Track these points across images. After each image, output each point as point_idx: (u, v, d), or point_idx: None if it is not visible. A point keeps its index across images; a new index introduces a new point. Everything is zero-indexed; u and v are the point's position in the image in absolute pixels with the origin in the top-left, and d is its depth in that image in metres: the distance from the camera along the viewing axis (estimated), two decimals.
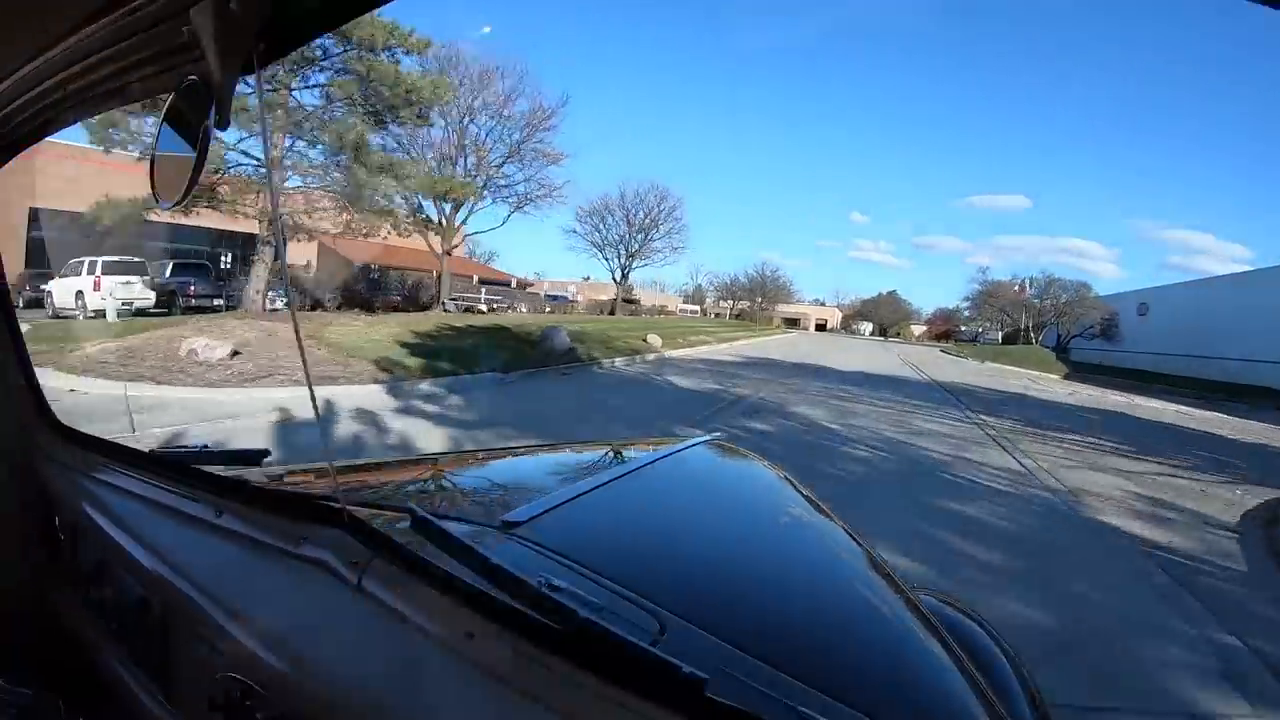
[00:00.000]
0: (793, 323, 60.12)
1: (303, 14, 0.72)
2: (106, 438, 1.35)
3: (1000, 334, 44.15)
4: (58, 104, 1.01)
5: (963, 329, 54.99)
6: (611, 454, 1.71)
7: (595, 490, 1.20)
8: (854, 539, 1.28)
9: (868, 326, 63.88)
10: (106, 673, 1.18)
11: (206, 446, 1.31)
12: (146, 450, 1.29)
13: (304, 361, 1.17)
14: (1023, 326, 39.07)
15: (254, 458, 1.27)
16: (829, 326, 63.66)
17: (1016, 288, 42.14)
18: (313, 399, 1.29)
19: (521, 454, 1.72)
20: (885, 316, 64.33)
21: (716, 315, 55.99)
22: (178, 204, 0.76)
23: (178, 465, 1.22)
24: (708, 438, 1.68)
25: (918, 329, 64.40)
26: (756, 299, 57.83)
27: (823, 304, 67.83)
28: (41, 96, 0.99)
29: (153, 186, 0.79)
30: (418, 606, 0.80)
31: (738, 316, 55.75)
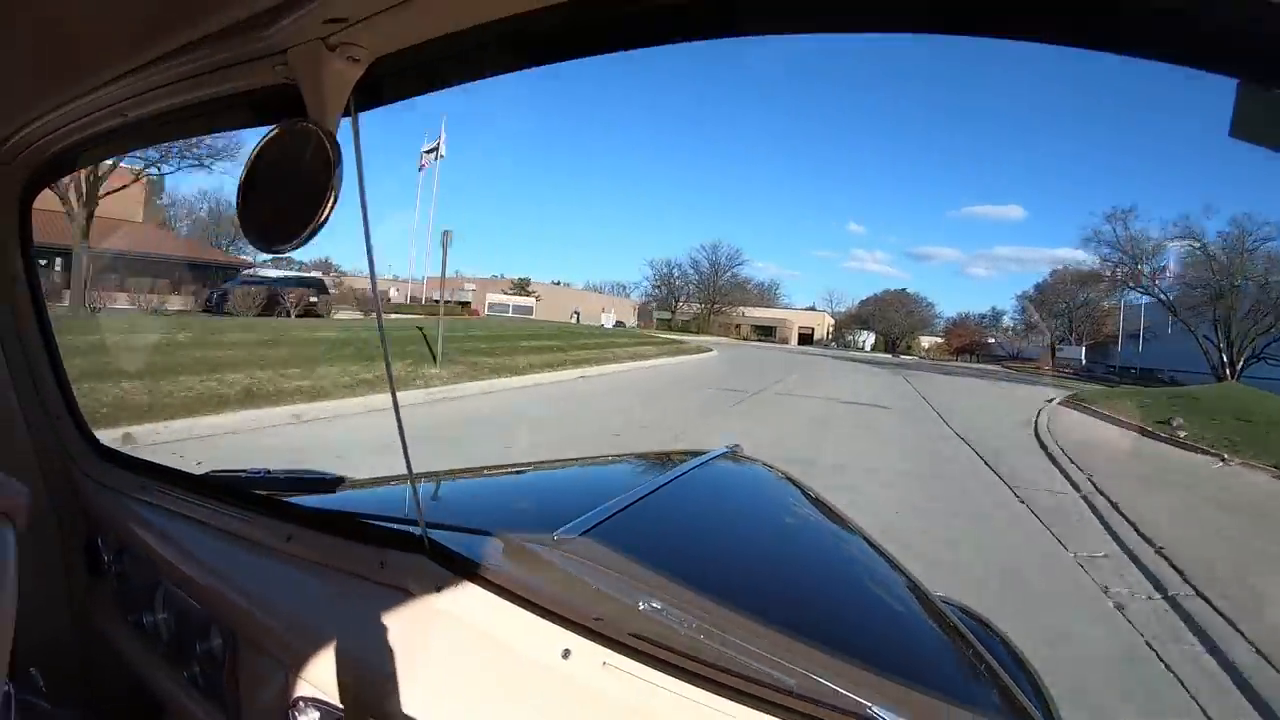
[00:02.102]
0: (766, 332, 44.02)
1: (397, 75, 0.80)
2: (151, 460, 1.43)
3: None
4: (123, 130, 1.08)
5: (991, 340, 43.92)
6: (640, 465, 2.01)
7: (636, 504, 1.29)
8: (871, 543, 1.42)
9: (869, 338, 47.17)
10: (157, 694, 1.21)
11: (269, 471, 1.40)
12: (199, 473, 1.38)
13: (389, 374, 1.11)
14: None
15: (330, 484, 1.37)
16: (816, 337, 47.23)
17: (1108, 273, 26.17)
18: (397, 415, 1.03)
19: (554, 467, 1.96)
20: (893, 323, 47.50)
21: (638, 325, 40.31)
22: (300, 243, 0.78)
23: (238, 490, 1.29)
24: (725, 448, 1.82)
25: (927, 340, 47.82)
26: (710, 300, 42.18)
27: (813, 309, 51.34)
28: (100, 120, 1.05)
29: (255, 224, 0.80)
30: (507, 626, 0.86)
31: (685, 325, 40.07)
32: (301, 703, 0.92)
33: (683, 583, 0.98)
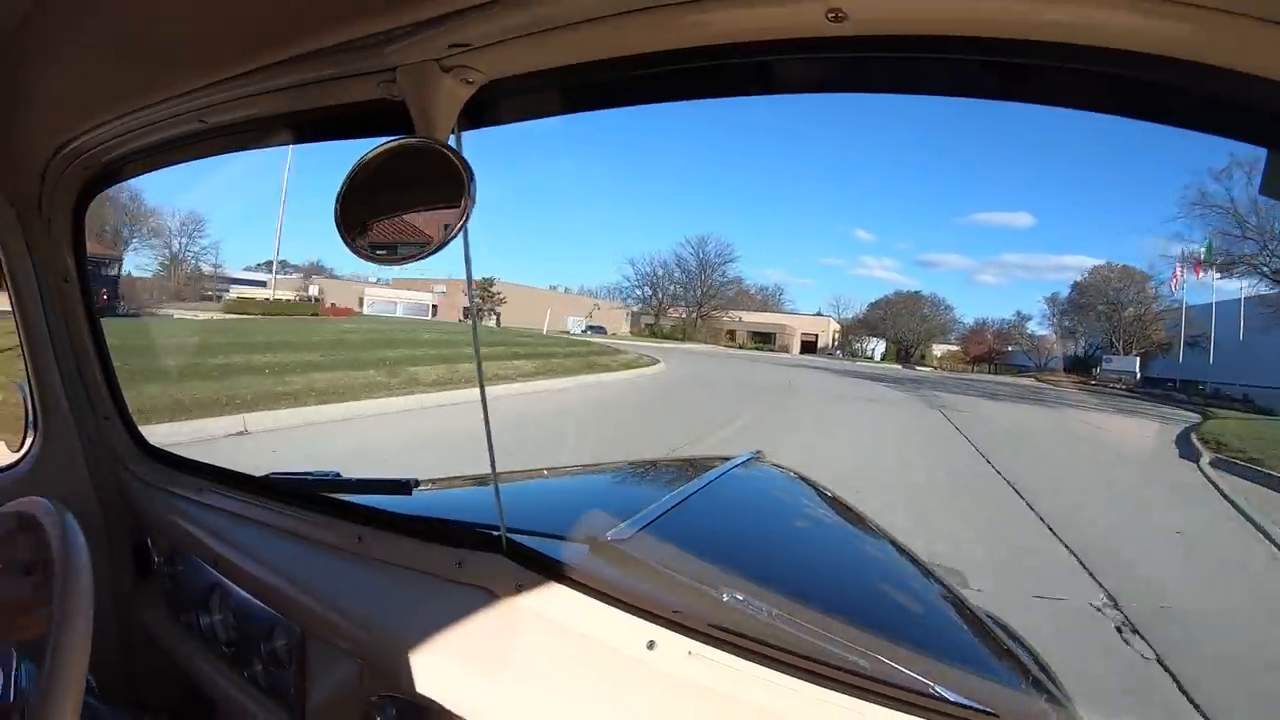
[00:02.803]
0: (764, 339, 39.66)
1: (504, 99, 0.86)
2: (204, 461, 1.48)
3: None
4: (194, 137, 1.14)
5: (1010, 348, 38.85)
6: (672, 470, 2.13)
7: (679, 505, 1.37)
8: (896, 544, 1.55)
9: (879, 346, 42.70)
10: (209, 693, 1.25)
11: (338, 474, 1.35)
12: (259, 475, 1.37)
13: (479, 374, 1.19)
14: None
15: (404, 486, 1.30)
16: (821, 344, 42.74)
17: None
18: (485, 416, 1.10)
19: (582, 472, 2.08)
20: (907, 329, 42.93)
21: (630, 332, 35.98)
22: (425, 255, 0.82)
23: (304, 492, 1.32)
24: (749, 454, 1.94)
25: (939, 348, 43.25)
26: (697, 303, 37.47)
27: (820, 314, 46.91)
28: (172, 126, 1.10)
29: (365, 235, 0.84)
30: (591, 622, 0.92)
31: (669, 332, 35.69)
32: (380, 700, 0.96)
33: (742, 576, 1.03)
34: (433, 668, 0.94)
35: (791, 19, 0.64)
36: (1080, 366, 30.53)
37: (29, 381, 1.46)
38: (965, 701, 0.77)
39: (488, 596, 1.01)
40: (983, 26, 0.58)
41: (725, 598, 0.94)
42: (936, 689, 0.79)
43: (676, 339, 35.32)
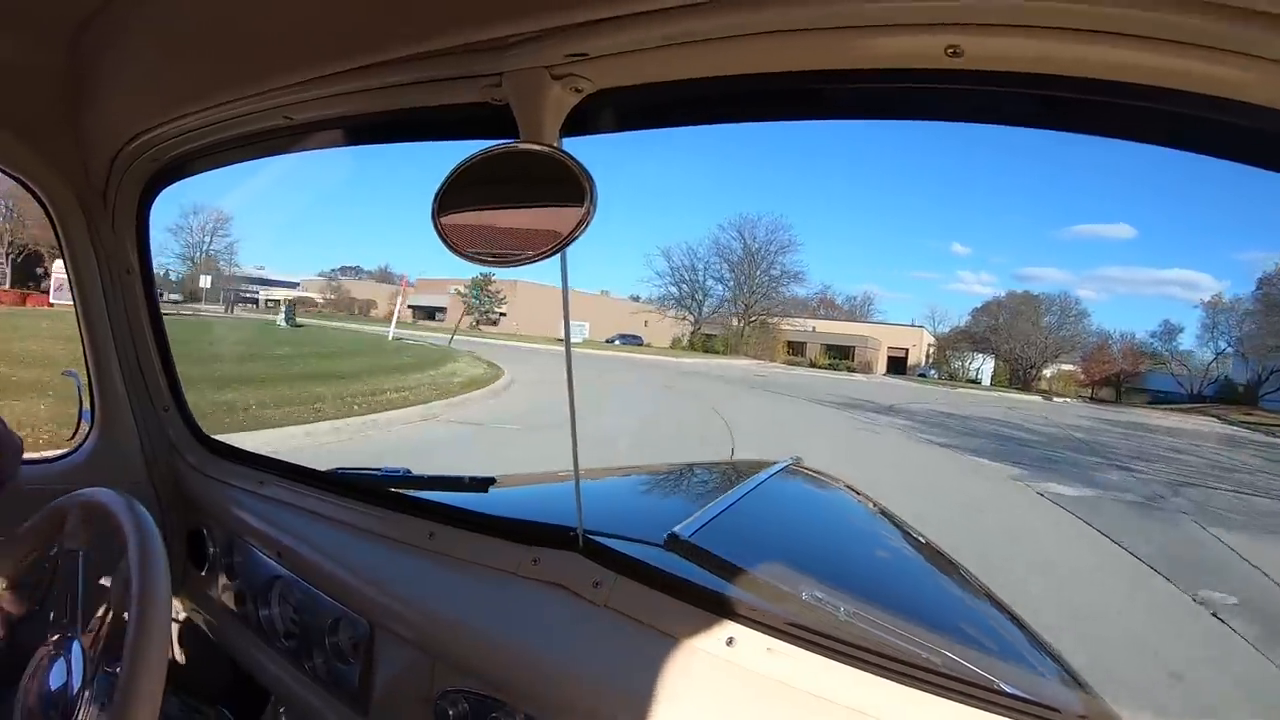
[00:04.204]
0: (842, 353, 31.81)
1: (610, 108, 0.89)
2: (265, 454, 1.54)
3: None
4: (272, 134, 1.18)
5: (1145, 370, 30.08)
6: (715, 474, 2.20)
7: (731, 508, 1.41)
8: (938, 548, 1.64)
9: (985, 365, 33.72)
10: (265, 683, 1.30)
11: (408, 471, 1.47)
12: (324, 470, 1.44)
13: (569, 377, 1.16)
14: None
15: (482, 484, 1.44)
16: (911, 360, 34.23)
17: None
18: (572, 417, 1.12)
19: (620, 474, 2.05)
20: (1025, 343, 33.72)
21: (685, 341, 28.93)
22: (535, 259, 0.83)
23: (372, 487, 1.36)
24: (789, 460, 1.99)
25: (1048, 368, 33.76)
26: (745, 305, 29.45)
27: (913, 325, 37.95)
28: (250, 122, 1.13)
29: (469, 236, 0.85)
30: (669, 618, 0.93)
31: (709, 344, 28.14)
32: (450, 694, 0.99)
33: (806, 574, 1.09)
34: (507, 663, 0.98)
35: (911, 51, 0.67)
36: (1242, 396, 24.88)
37: (87, 371, 1.50)
38: (1030, 697, 0.82)
39: (564, 593, 1.03)
40: (1092, 68, 0.62)
41: (804, 595, 1.00)
42: (1003, 685, 0.84)
43: (718, 352, 28.18)
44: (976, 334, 35.01)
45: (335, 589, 1.21)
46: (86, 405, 1.52)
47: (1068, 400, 27.71)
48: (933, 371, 32.60)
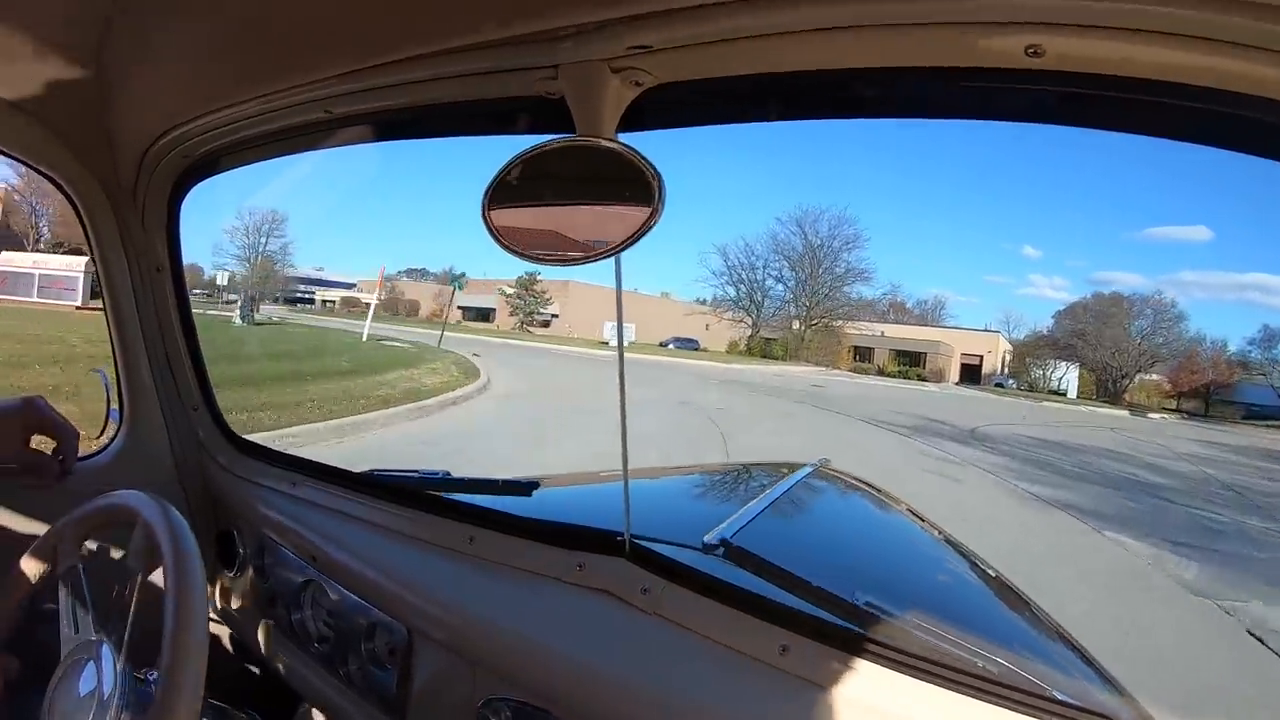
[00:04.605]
0: (912, 360, 29.83)
1: (670, 104, 0.85)
2: (297, 455, 1.58)
3: None
4: (311, 128, 1.16)
5: (1239, 380, 26.01)
6: (744, 476, 2.17)
7: (766, 511, 1.40)
8: (966, 549, 1.62)
9: (1070, 374, 31.02)
10: (295, 687, 1.29)
11: (447, 473, 1.45)
12: (358, 471, 1.43)
13: (621, 380, 1.16)
14: None
15: (526, 488, 1.42)
16: (986, 368, 31.87)
17: None
18: (623, 421, 1.12)
19: (655, 475, 2.10)
20: (1114, 349, 30.75)
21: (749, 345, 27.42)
22: (596, 258, 0.82)
23: (409, 489, 1.35)
24: (817, 462, 2.00)
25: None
26: (808, 307, 27.27)
27: (987, 330, 35.16)
28: (290, 115, 1.12)
29: (525, 235, 0.85)
30: (721, 626, 0.92)
31: (764, 350, 26.38)
32: (495, 702, 0.98)
33: (851, 580, 1.12)
34: (552, 671, 0.97)
35: (989, 48, 0.66)
36: None
37: (116, 370, 1.49)
38: (1084, 705, 0.81)
39: (611, 600, 1.02)
40: (1173, 72, 0.61)
41: (859, 601, 0.99)
42: (1056, 693, 0.84)
43: (776, 357, 26.45)
44: (1060, 340, 32.21)
45: (371, 593, 1.20)
46: (115, 404, 1.50)
47: (1164, 417, 25.16)
48: (1011, 381, 30.18)
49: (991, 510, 6.74)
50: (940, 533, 1.74)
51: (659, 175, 0.76)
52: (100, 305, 1.55)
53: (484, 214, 0.84)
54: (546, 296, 28.88)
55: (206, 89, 1.14)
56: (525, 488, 1.43)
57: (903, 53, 0.68)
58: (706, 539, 1.17)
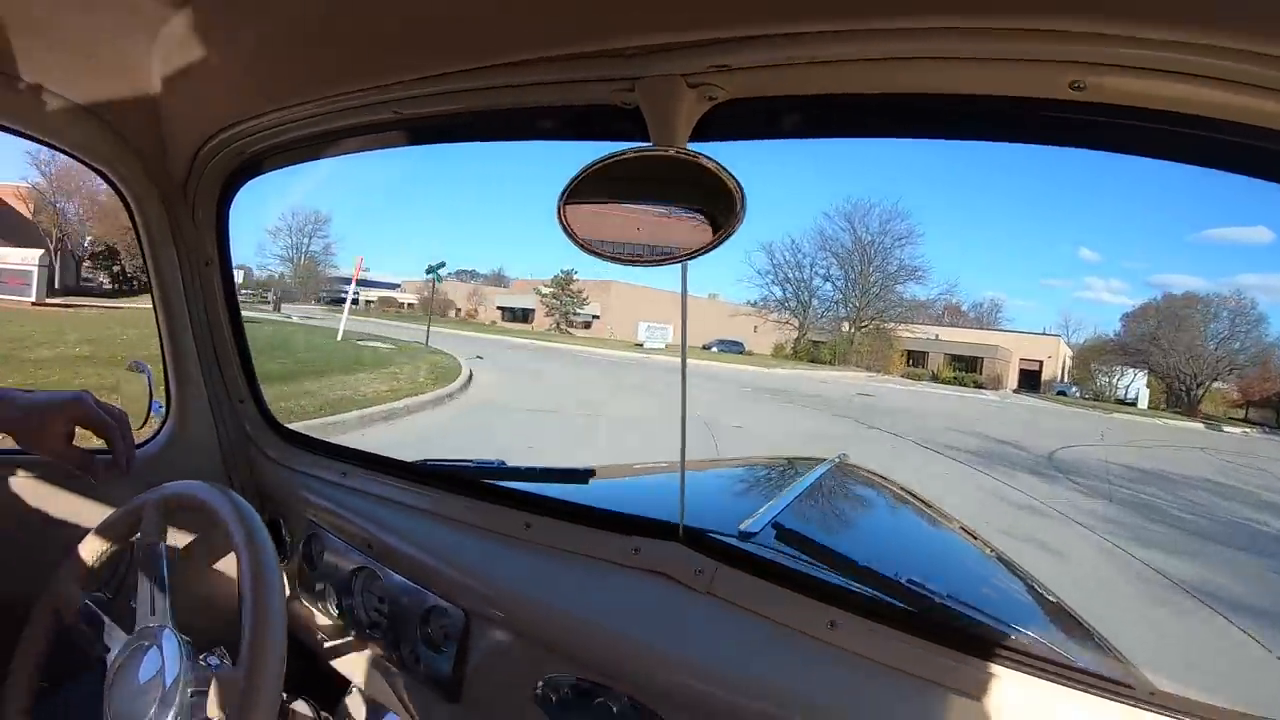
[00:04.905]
0: (968, 365, 28.26)
1: (740, 117, 0.89)
2: (345, 445, 1.59)
3: None
4: (375, 128, 1.19)
5: None
6: (768, 470, 2.31)
7: (795, 502, 1.47)
8: (983, 538, 1.79)
9: (1138, 381, 28.95)
10: (346, 672, 1.33)
11: (502, 463, 1.52)
12: (410, 461, 1.47)
13: (683, 372, 1.23)
14: None
15: (583, 476, 1.51)
16: (1046, 374, 30.11)
17: None
18: (683, 416, 1.21)
19: (701, 469, 2.17)
20: (1188, 355, 28.54)
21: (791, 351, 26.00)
22: (677, 260, 0.89)
23: (463, 478, 1.42)
24: (838, 458, 2.08)
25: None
26: (858, 308, 25.49)
27: (1046, 334, 33.00)
28: (367, 112, 1.14)
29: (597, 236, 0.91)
30: (771, 604, 0.98)
31: (810, 353, 24.86)
32: (554, 680, 1.02)
33: (888, 560, 1.27)
34: (610, 649, 1.01)
35: (1035, 81, 0.71)
36: None
37: (163, 362, 1.52)
38: (1111, 675, 0.86)
39: (666, 581, 1.07)
40: (1207, 108, 0.65)
41: (902, 579, 1.05)
42: (1077, 661, 0.92)
43: (824, 362, 25.01)
44: (1129, 345, 30.06)
45: (428, 578, 1.23)
46: (158, 397, 1.50)
47: (1246, 431, 23.17)
48: (1074, 389, 28.30)
49: (1114, 608, 4.61)
50: (962, 525, 1.87)
51: (741, 187, 0.82)
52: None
53: (558, 211, 0.88)
54: (584, 296, 28.01)
55: (267, 88, 1.17)
56: (583, 475, 1.53)
57: (955, 81, 0.74)
58: (742, 528, 1.23)
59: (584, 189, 0.86)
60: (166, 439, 1.53)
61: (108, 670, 0.96)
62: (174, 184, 1.44)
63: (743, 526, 1.20)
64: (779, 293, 30.39)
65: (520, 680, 1.06)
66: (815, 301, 30.20)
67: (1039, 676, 0.83)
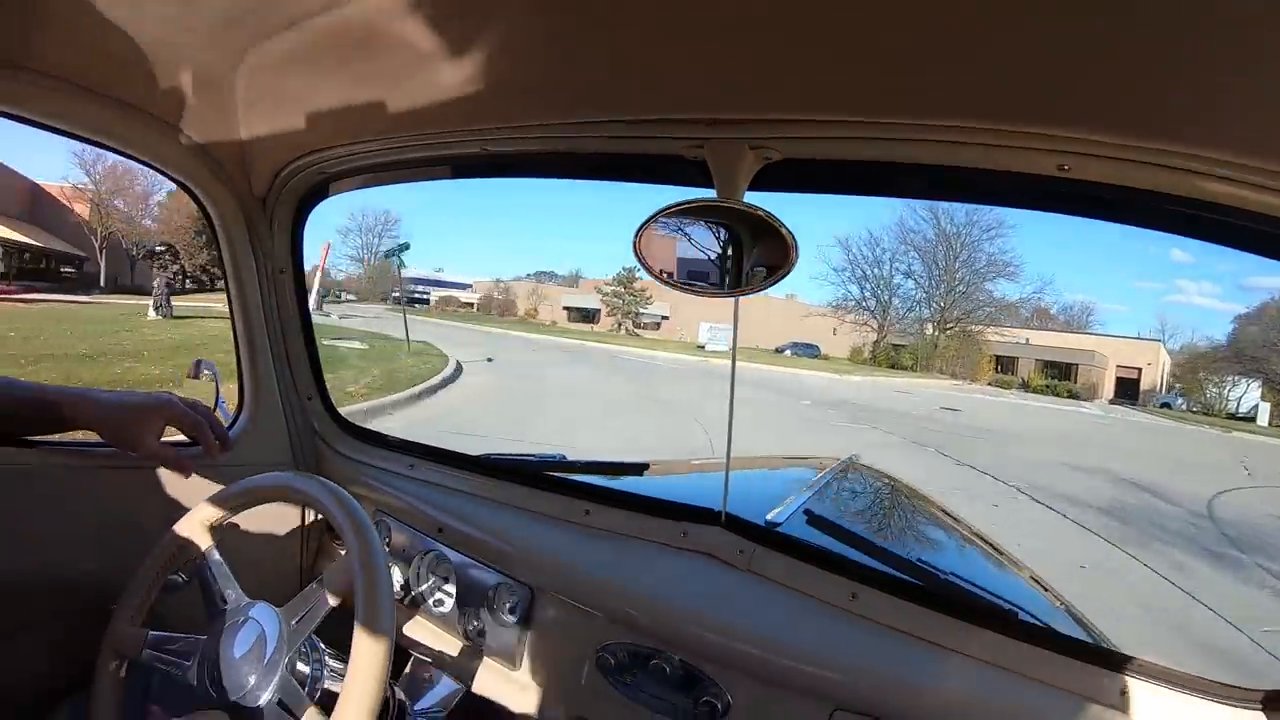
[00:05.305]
0: (1062, 372, 26.16)
1: (787, 173, 1.04)
2: (409, 439, 1.70)
3: None
4: (456, 161, 1.33)
5: None
6: (794, 467, 2.63)
7: (814, 497, 1.63)
8: (985, 534, 1.96)
9: (1253, 394, 26.48)
10: (408, 648, 1.43)
11: (563, 456, 1.69)
12: (474, 454, 1.59)
13: (733, 372, 1.38)
14: None
15: (638, 468, 1.76)
16: (1146, 383, 27.72)
17: None
18: (730, 414, 1.35)
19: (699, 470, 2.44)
20: None
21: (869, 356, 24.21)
22: (738, 294, 1.07)
23: (526, 469, 1.54)
24: (849, 458, 2.27)
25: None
26: (942, 308, 23.10)
27: (1141, 338, 30.22)
28: (456, 145, 1.25)
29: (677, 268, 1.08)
30: (802, 579, 1.13)
31: (890, 358, 22.94)
32: (611, 646, 1.17)
33: (904, 544, 1.60)
34: (662, 618, 1.16)
35: (1028, 163, 0.87)
36: None
37: (237, 361, 1.64)
38: (1099, 644, 1.10)
39: (711, 561, 1.21)
40: (1166, 187, 0.83)
41: (914, 558, 1.28)
42: (1081, 635, 1.19)
43: (905, 368, 23.16)
44: (1245, 351, 27.35)
45: (496, 558, 1.35)
46: (222, 394, 1.57)
47: None
48: (1180, 400, 25.82)
49: None
50: (964, 521, 2.04)
51: (793, 237, 0.97)
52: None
53: (635, 242, 1.04)
54: (647, 295, 26.83)
55: (355, 118, 1.23)
56: (635, 468, 1.78)
57: (969, 159, 0.91)
58: (771, 515, 1.36)
59: (657, 225, 1.03)
60: (241, 431, 1.61)
61: (211, 633, 1.06)
62: (254, 199, 1.54)
63: (771, 514, 1.36)
64: (855, 291, 28.11)
65: (580, 648, 1.22)
66: (896, 301, 27.89)
67: (1033, 644, 0.99)
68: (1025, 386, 25.40)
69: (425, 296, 37.40)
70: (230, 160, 1.43)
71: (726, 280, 1.03)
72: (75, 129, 1.27)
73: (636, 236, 1.01)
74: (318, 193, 1.52)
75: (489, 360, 14.49)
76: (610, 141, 1.07)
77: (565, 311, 31.51)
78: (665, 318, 27.06)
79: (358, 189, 1.53)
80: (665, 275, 1.03)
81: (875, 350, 26.50)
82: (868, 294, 27.97)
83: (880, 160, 0.95)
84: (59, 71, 1.15)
